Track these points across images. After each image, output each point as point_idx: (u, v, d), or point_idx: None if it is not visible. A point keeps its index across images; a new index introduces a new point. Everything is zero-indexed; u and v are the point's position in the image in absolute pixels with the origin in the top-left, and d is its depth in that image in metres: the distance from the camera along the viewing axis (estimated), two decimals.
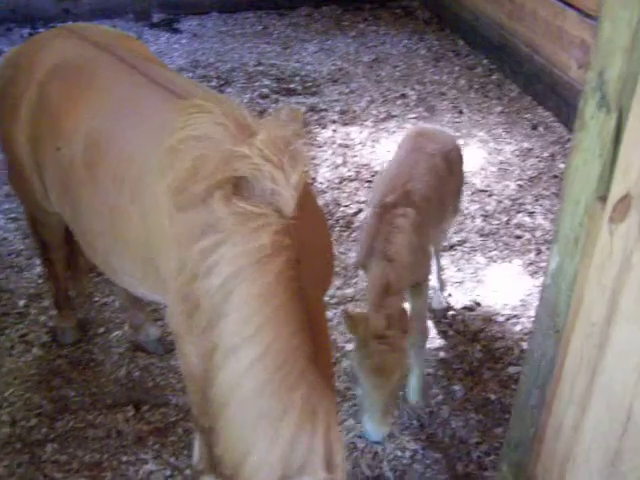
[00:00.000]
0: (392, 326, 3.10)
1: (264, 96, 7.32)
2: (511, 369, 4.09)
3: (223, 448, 2.32)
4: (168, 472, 3.53)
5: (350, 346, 4.20)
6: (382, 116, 6.98)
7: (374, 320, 3.10)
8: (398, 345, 3.10)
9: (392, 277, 3.24)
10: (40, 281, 4.72)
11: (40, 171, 3.31)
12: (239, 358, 2.24)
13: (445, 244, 4.97)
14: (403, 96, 7.39)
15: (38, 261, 4.78)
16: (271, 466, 2.13)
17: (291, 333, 2.26)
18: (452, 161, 4.04)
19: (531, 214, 5.50)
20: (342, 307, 4.47)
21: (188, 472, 3.50)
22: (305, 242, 2.44)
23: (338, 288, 4.66)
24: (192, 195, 2.40)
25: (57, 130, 3.11)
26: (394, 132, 6.66)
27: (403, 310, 3.22)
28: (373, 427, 3.15)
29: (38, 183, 3.40)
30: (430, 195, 3.69)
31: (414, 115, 6.99)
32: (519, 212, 5.54)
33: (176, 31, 8.98)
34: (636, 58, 1.96)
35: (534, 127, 6.79)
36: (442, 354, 4.25)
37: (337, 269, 4.81)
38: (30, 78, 3.27)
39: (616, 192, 2.05)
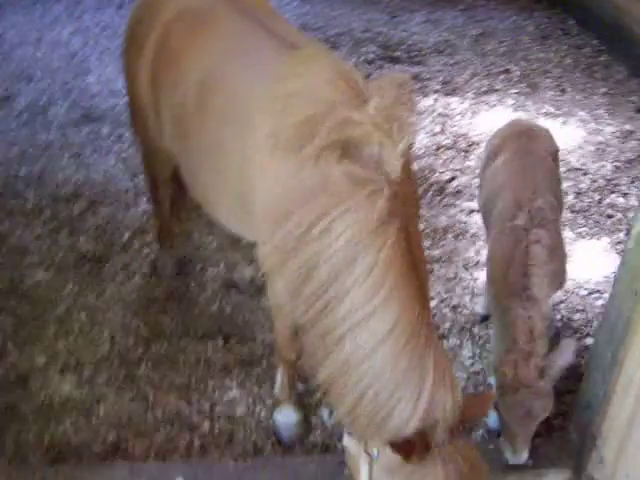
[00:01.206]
0: (541, 375, 3.05)
1: (369, 62, 7.44)
2: (588, 340, 4.13)
3: (352, 405, 2.51)
4: (250, 400, 3.76)
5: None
6: (484, 89, 6.99)
7: (524, 372, 3.05)
8: (547, 392, 3.06)
9: (537, 319, 3.17)
10: (144, 218, 5.02)
11: (157, 108, 3.55)
12: (371, 330, 2.41)
13: None
14: (506, 71, 7.38)
15: (144, 199, 5.09)
16: (416, 419, 2.39)
17: (412, 302, 2.45)
18: (556, 156, 3.97)
19: (625, 195, 5.47)
20: (429, 266, 4.59)
21: (269, 402, 3.73)
22: (405, 198, 2.56)
23: (427, 249, 4.77)
24: (299, 148, 2.52)
25: (174, 69, 3.34)
26: (494, 105, 6.69)
27: (549, 355, 3.14)
28: (517, 455, 3.17)
29: (154, 120, 3.64)
30: (555, 202, 3.61)
31: (516, 90, 6.98)
32: (613, 192, 5.51)
33: None
34: None
35: (639, 110, 6.68)
36: None
37: (427, 231, 4.94)
38: (157, 19, 3.50)
39: None
